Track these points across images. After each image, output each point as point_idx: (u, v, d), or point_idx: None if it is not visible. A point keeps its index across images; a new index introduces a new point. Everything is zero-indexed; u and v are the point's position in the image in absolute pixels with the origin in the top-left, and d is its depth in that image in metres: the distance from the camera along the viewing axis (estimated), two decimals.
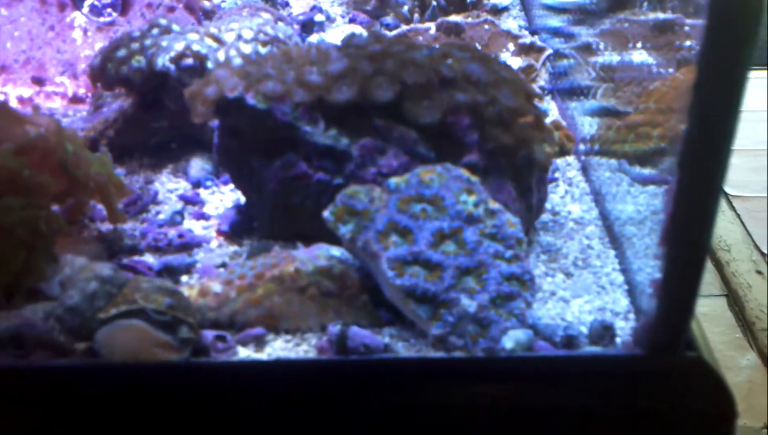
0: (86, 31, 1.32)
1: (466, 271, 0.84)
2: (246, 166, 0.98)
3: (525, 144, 0.95)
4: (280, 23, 1.44)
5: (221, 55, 1.16)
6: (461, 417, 0.75)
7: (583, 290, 0.95)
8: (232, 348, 0.84)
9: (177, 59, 1.12)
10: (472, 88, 0.93)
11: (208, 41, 1.18)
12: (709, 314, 1.84)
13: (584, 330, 0.86)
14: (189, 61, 1.12)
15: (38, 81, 1.33)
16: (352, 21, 1.76)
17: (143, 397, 0.79)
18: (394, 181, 0.87)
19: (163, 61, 1.12)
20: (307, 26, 1.59)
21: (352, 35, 0.98)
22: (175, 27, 1.20)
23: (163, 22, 1.19)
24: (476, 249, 0.85)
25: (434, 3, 1.75)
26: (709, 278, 1.93)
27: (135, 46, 1.15)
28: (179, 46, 1.12)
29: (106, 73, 1.14)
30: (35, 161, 0.88)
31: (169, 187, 1.18)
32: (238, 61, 1.08)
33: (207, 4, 1.62)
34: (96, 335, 0.80)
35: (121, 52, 1.14)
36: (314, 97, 0.92)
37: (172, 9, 1.33)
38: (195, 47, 1.12)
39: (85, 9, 1.45)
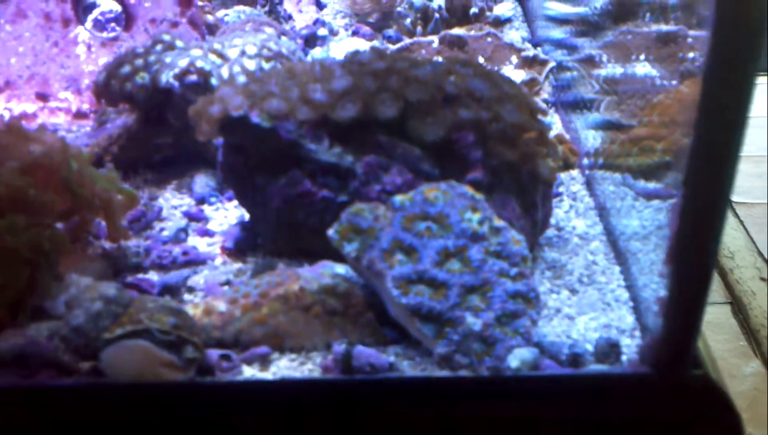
0: (90, 46, 1.32)
1: (471, 289, 0.84)
2: (250, 183, 0.98)
3: (529, 160, 0.95)
4: (283, 38, 1.44)
5: (225, 72, 1.16)
6: None
7: (589, 307, 0.95)
8: (237, 367, 0.84)
9: (181, 76, 1.12)
10: (475, 104, 0.93)
11: (212, 57, 1.18)
12: (713, 322, 1.83)
13: (590, 347, 0.86)
14: (193, 77, 1.12)
15: (42, 97, 1.33)
16: (355, 34, 1.76)
17: (148, 417, 0.79)
18: (398, 198, 0.87)
19: (166, 77, 1.12)
20: (310, 40, 1.59)
21: (356, 52, 0.98)
22: (179, 43, 1.20)
23: (166, 38, 1.19)
24: (481, 267, 0.85)
25: (437, 16, 1.76)
26: (713, 286, 1.92)
27: (139, 62, 1.15)
28: (183, 63, 1.12)
29: (110, 89, 1.14)
30: (40, 179, 0.88)
31: (173, 203, 1.18)
32: (242, 78, 1.08)
33: (210, 18, 1.62)
34: (101, 355, 0.80)
35: (125, 69, 1.14)
36: (318, 115, 0.92)
37: (175, 24, 1.33)
38: (199, 63, 1.13)
39: (89, 24, 1.45)
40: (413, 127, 0.91)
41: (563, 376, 0.78)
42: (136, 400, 0.80)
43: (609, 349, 0.85)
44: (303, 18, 1.78)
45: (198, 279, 1.00)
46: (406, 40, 1.58)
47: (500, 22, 1.83)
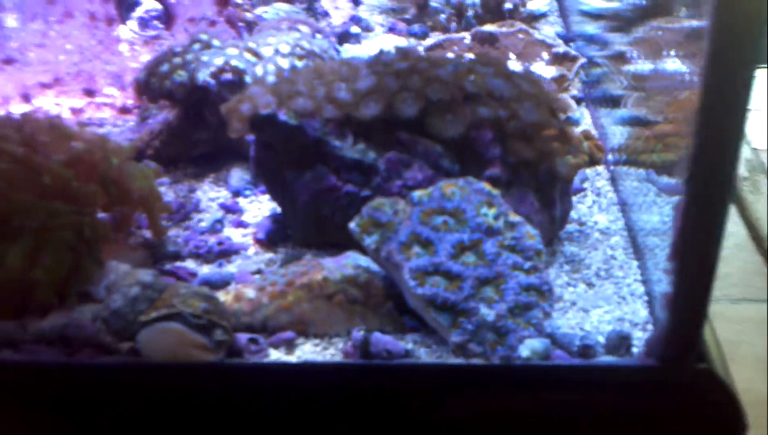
0: (133, 44, 1.39)
1: (485, 282, 0.88)
2: (279, 178, 1.03)
3: (547, 158, 0.98)
4: (318, 35, 1.49)
5: (259, 70, 1.21)
6: (477, 422, 0.79)
7: (604, 301, 0.97)
8: (264, 350, 0.89)
9: (217, 74, 1.18)
10: (494, 103, 0.96)
11: (247, 56, 1.23)
12: (756, 319, 1.75)
13: (602, 340, 0.89)
14: (228, 75, 1.17)
15: (89, 92, 1.40)
16: (390, 30, 1.80)
17: (181, 394, 0.85)
18: (417, 194, 0.91)
19: (203, 76, 1.18)
20: (343, 38, 1.63)
21: (381, 52, 1.02)
22: (216, 42, 1.25)
23: (204, 37, 1.25)
24: (495, 260, 0.89)
25: (471, 11, 1.78)
26: (760, 282, 1.84)
27: (177, 60, 1.21)
28: (219, 62, 1.18)
29: (150, 86, 1.21)
30: (82, 173, 0.95)
31: (210, 195, 1.24)
32: (271, 78, 1.13)
33: (249, 15, 1.68)
34: (138, 336, 0.86)
35: (164, 67, 1.20)
36: (343, 113, 0.97)
37: (213, 23, 1.39)
38: (233, 62, 1.18)
39: (134, 22, 1.53)
40: (433, 124, 0.95)
41: (570, 367, 0.82)
42: (170, 379, 0.86)
43: (620, 342, 0.88)
44: (339, 14, 1.82)
45: (231, 268, 1.05)
46: (439, 37, 1.61)
47: (534, 18, 1.85)
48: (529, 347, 0.85)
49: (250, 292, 0.93)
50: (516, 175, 0.98)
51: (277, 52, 1.25)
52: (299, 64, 1.24)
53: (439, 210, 0.90)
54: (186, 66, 1.21)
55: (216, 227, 1.14)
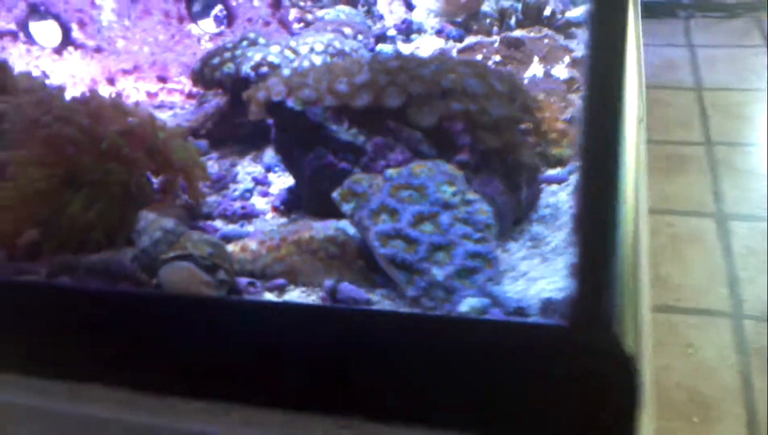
0: (200, 39, 1.64)
1: (439, 247, 1.05)
2: (292, 155, 1.24)
3: (513, 148, 1.14)
4: (359, 36, 1.69)
5: (295, 65, 1.43)
6: (401, 355, 0.96)
7: (552, 273, 1.12)
8: (260, 293, 1.10)
9: (256, 67, 1.40)
10: (467, 99, 1.13)
11: (287, 53, 1.45)
12: None
13: (537, 303, 1.04)
14: (264, 69, 1.39)
15: (162, 79, 1.66)
16: (438, 32, 1.97)
17: (189, 321, 1.07)
18: (390, 171, 1.10)
19: (246, 68, 1.41)
20: (380, 39, 1.83)
21: (379, 53, 1.20)
22: (261, 40, 1.48)
23: (251, 35, 1.47)
24: (449, 230, 1.06)
25: (513, 17, 1.93)
26: None
27: (227, 55, 1.44)
28: (258, 57, 1.40)
29: (203, 76, 1.44)
30: (133, 143, 1.19)
31: (248, 170, 1.46)
32: (287, 72, 1.34)
33: (309, 17, 1.90)
34: (159, 272, 1.09)
35: (215, 60, 1.44)
36: (341, 103, 1.16)
37: (267, 23, 1.62)
38: (270, 58, 1.40)
39: (210, 20, 1.78)
40: (411, 114, 1.13)
41: (488, 321, 0.98)
42: (183, 309, 1.08)
43: (548, 306, 1.03)
44: (392, 18, 2.01)
45: (250, 228, 1.27)
46: (471, 40, 1.77)
47: (574, 25, 1.97)
48: (468, 304, 1.02)
49: (252, 245, 1.14)
50: (486, 162, 1.15)
51: (312, 50, 1.45)
52: (330, 61, 1.44)
53: (406, 185, 1.08)
54: (234, 59, 1.44)
55: (245, 196, 1.37)
